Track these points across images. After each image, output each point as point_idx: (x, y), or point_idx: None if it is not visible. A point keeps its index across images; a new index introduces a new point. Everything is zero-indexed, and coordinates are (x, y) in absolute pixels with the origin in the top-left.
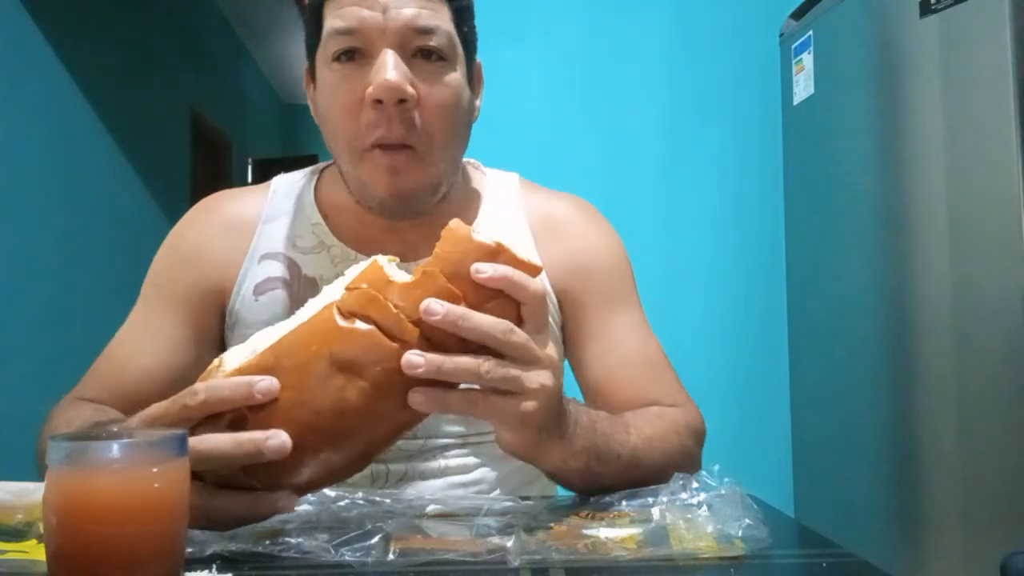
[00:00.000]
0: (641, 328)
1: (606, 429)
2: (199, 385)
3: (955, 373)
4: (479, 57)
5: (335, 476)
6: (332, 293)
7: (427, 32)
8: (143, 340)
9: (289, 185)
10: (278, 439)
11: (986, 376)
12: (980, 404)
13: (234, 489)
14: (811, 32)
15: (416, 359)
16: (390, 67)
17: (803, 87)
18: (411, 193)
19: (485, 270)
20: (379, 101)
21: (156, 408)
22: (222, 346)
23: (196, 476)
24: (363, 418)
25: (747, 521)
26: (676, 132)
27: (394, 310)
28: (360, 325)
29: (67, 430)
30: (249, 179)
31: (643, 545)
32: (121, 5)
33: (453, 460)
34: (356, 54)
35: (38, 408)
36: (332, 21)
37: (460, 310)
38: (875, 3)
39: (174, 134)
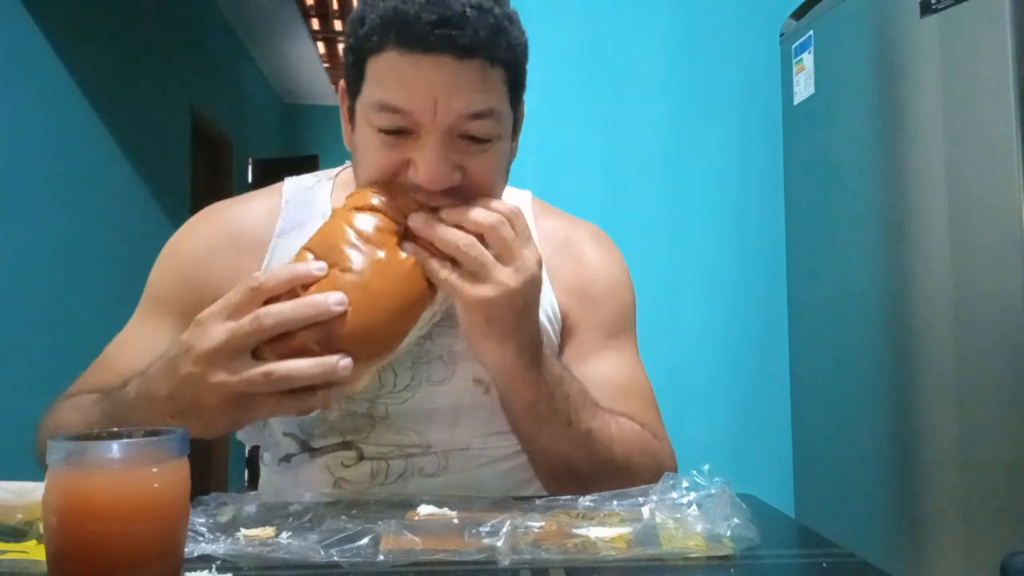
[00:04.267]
0: (634, 362)
1: (573, 394)
2: (269, 308)
3: (955, 373)
4: None
5: (375, 356)
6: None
7: (478, 117)
8: (140, 349)
9: (302, 193)
10: (336, 295)
11: (986, 376)
12: (980, 404)
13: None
14: (811, 32)
15: (419, 218)
16: (436, 160)
17: (803, 87)
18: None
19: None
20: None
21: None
22: None
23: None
24: (393, 281)
25: (736, 520)
26: (676, 132)
27: (389, 205)
28: (367, 214)
29: (70, 418)
30: (249, 179)
31: (633, 545)
32: (121, 5)
33: (452, 460)
34: (402, 130)
35: (38, 408)
36: (379, 91)
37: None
38: (875, 3)
39: (174, 134)
